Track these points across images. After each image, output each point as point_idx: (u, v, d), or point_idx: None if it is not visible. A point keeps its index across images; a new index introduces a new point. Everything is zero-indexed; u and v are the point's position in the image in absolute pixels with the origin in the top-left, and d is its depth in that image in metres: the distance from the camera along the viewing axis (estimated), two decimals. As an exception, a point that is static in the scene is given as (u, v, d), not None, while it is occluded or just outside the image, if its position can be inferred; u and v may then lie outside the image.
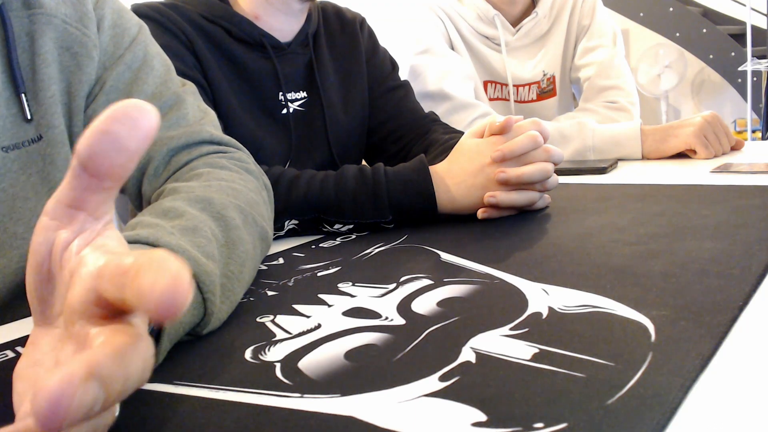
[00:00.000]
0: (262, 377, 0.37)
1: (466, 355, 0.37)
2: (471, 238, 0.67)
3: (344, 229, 0.76)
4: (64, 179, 0.28)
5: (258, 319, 0.48)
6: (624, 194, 0.81)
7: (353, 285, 0.54)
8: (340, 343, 0.41)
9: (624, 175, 1.01)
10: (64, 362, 0.27)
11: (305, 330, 0.44)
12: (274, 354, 0.41)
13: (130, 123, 0.26)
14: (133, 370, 0.25)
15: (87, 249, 0.29)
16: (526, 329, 0.40)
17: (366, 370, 0.37)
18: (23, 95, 0.59)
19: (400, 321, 0.44)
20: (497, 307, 0.45)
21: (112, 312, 0.27)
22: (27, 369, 0.30)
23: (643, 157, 1.15)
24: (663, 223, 0.63)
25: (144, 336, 0.27)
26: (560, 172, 1.00)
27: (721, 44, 4.23)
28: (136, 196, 0.64)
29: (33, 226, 0.60)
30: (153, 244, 0.42)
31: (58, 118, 0.61)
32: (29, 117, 0.59)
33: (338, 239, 0.73)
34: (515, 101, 1.41)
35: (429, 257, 0.60)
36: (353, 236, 0.74)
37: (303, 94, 0.99)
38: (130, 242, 0.42)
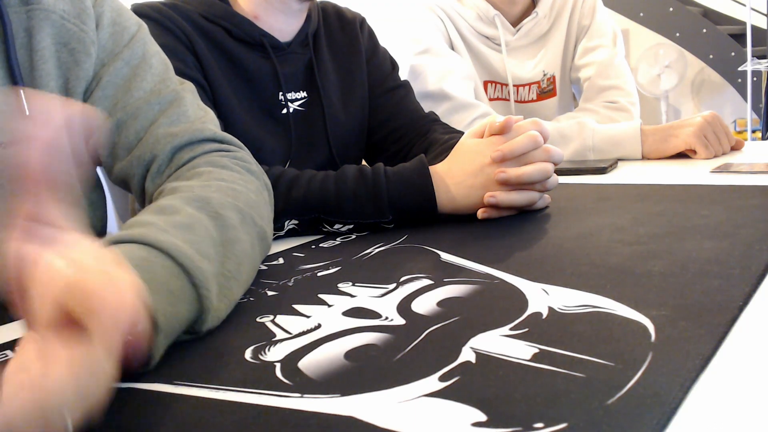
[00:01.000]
0: (262, 377, 0.37)
1: (466, 355, 0.37)
2: (471, 238, 0.67)
3: (344, 229, 0.76)
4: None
5: (258, 319, 0.48)
6: (624, 194, 0.81)
7: (353, 285, 0.54)
8: (340, 343, 0.41)
9: (624, 175, 1.01)
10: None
11: (305, 330, 0.44)
12: (274, 354, 0.41)
13: None
14: (88, 392, 0.27)
15: (54, 259, 0.29)
16: (526, 329, 0.40)
17: (366, 370, 0.37)
18: (22, 91, 0.59)
19: (400, 321, 0.44)
20: (497, 307, 0.45)
21: (79, 325, 0.28)
22: (15, 374, 0.30)
23: (643, 157, 1.15)
24: (663, 223, 0.63)
25: (100, 360, 0.29)
26: (560, 172, 1.00)
27: (721, 44, 4.23)
28: (140, 194, 0.64)
29: None
30: (144, 242, 0.42)
31: None
32: (27, 113, 0.59)
33: (338, 239, 0.73)
34: (515, 101, 1.41)
35: (429, 257, 0.60)
36: (353, 236, 0.74)
37: (303, 94, 0.99)
38: (124, 241, 0.42)
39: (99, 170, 0.70)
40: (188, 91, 0.69)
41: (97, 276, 0.26)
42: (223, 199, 0.53)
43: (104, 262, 0.29)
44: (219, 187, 0.55)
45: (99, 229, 0.69)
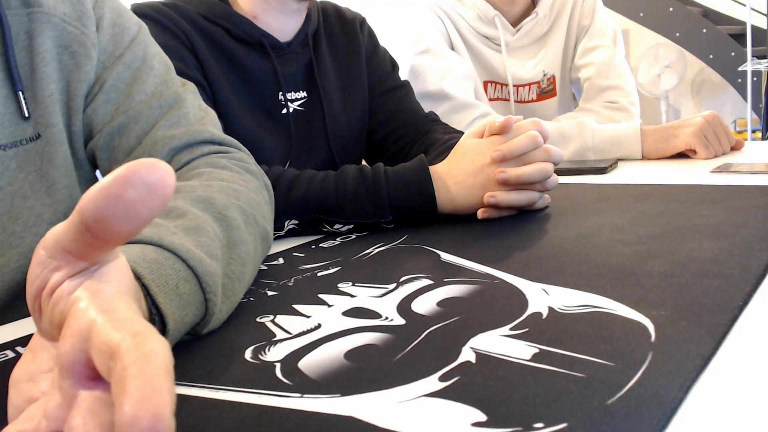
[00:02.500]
0: (262, 377, 0.37)
1: (466, 355, 0.37)
2: (471, 238, 0.67)
3: (344, 229, 0.76)
4: (67, 225, 0.26)
5: (258, 319, 0.48)
6: (624, 194, 0.81)
7: (353, 285, 0.54)
8: (340, 343, 0.41)
9: (624, 175, 1.01)
10: (50, 415, 0.25)
11: (305, 330, 0.44)
12: (274, 354, 0.41)
13: (146, 190, 0.23)
14: None
15: (81, 291, 0.27)
16: (526, 329, 0.40)
17: (366, 370, 0.37)
18: (20, 93, 0.59)
19: (400, 321, 0.44)
20: (497, 307, 0.45)
21: (101, 377, 0.24)
22: (23, 382, 0.29)
23: (643, 157, 1.15)
24: (663, 223, 0.63)
25: None
26: (560, 172, 1.00)
27: (721, 44, 4.23)
28: None
29: (31, 225, 0.60)
30: (156, 244, 0.41)
31: (57, 117, 0.61)
32: (26, 114, 0.59)
33: (338, 239, 0.73)
34: (515, 101, 1.41)
35: (429, 257, 0.60)
36: (353, 236, 0.74)
37: (303, 94, 0.99)
38: (132, 242, 0.41)
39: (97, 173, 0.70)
40: (190, 92, 0.69)
41: (129, 350, 0.22)
42: (226, 199, 0.53)
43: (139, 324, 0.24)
44: (221, 187, 0.55)
45: None
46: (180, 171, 0.61)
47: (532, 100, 1.43)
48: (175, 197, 0.51)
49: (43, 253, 0.27)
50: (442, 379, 0.35)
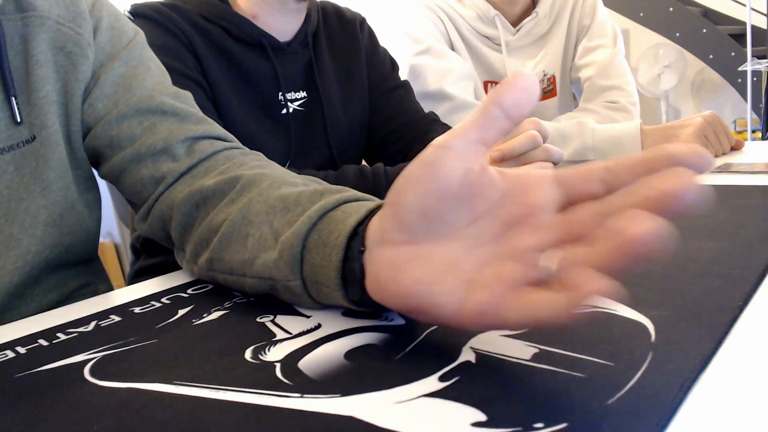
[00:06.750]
0: (262, 377, 0.37)
1: (466, 355, 0.37)
2: (471, 238, 0.67)
3: (344, 229, 0.75)
4: (473, 122, 0.33)
5: (258, 319, 0.48)
6: (624, 194, 0.80)
7: (353, 285, 0.54)
8: (340, 343, 0.41)
9: (624, 175, 1.01)
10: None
11: (305, 330, 0.44)
12: (274, 354, 0.41)
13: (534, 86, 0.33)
14: None
15: (495, 173, 0.35)
16: (526, 329, 0.40)
17: (366, 370, 0.37)
18: (13, 98, 0.59)
19: (399, 321, 0.44)
20: (497, 307, 0.45)
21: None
22: (439, 274, 0.35)
23: (643, 157, 1.15)
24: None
25: None
26: (560, 172, 1.00)
27: (721, 44, 4.23)
28: (137, 183, 0.62)
29: (28, 226, 0.60)
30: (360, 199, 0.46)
31: (52, 118, 0.62)
32: (18, 120, 0.59)
33: (338, 239, 0.73)
34: (515, 101, 1.41)
35: (429, 257, 0.60)
36: (353, 236, 0.73)
37: (303, 94, 0.99)
38: (345, 202, 0.46)
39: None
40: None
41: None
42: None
43: None
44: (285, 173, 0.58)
45: (93, 231, 0.69)
46: (213, 159, 0.61)
47: (532, 100, 1.43)
48: (288, 183, 0.54)
49: (456, 149, 0.34)
50: (441, 379, 0.35)
